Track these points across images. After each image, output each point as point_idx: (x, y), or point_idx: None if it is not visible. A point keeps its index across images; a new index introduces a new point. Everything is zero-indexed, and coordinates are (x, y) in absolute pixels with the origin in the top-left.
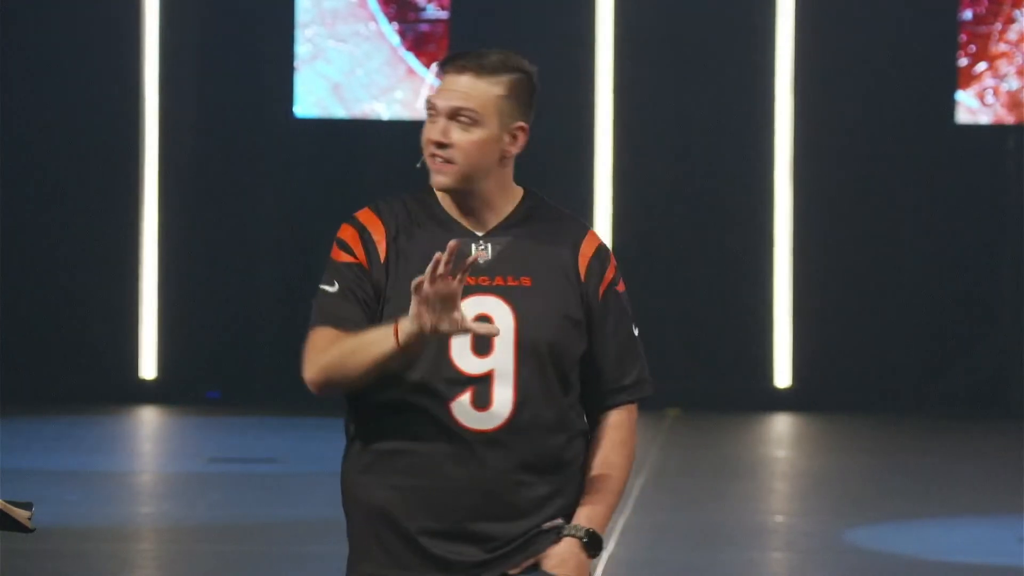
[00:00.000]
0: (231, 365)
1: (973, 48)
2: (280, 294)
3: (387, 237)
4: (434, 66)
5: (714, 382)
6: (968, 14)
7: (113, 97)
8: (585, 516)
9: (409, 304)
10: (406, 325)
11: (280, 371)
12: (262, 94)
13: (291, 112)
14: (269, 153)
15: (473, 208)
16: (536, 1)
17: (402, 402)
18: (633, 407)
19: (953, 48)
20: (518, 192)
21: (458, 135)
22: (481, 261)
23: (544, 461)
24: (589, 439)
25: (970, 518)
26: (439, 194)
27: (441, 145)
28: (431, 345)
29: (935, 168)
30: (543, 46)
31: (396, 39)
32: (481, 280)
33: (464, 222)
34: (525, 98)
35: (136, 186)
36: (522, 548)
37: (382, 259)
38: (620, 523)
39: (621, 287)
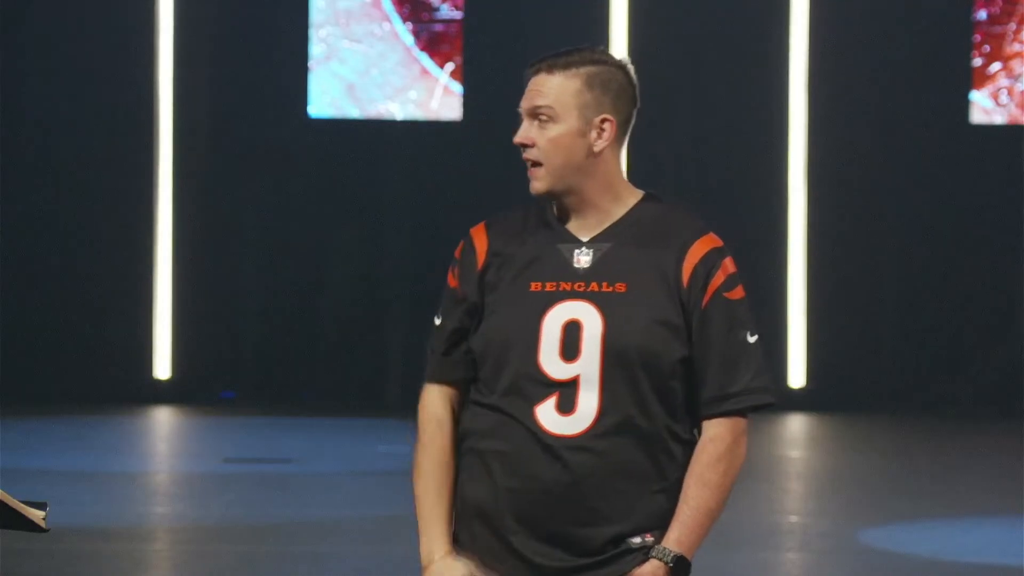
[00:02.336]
0: (246, 365)
1: (987, 48)
2: (295, 294)
3: (489, 247)
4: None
5: None
6: (982, 14)
7: (128, 97)
8: (674, 539)
9: (499, 309)
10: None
11: (295, 371)
12: (276, 94)
13: (305, 112)
14: (283, 153)
15: (579, 212)
16: (550, 1)
17: (495, 406)
18: (739, 419)
19: (967, 48)
20: (634, 195)
21: (537, 133)
22: (581, 267)
23: (634, 468)
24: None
25: (985, 519)
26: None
27: (524, 146)
28: (520, 349)
29: (950, 168)
30: (557, 46)
31: (410, 39)
32: (576, 286)
33: (571, 227)
34: (612, 90)
35: (151, 186)
36: (608, 562)
37: (478, 268)
38: None
39: (735, 294)
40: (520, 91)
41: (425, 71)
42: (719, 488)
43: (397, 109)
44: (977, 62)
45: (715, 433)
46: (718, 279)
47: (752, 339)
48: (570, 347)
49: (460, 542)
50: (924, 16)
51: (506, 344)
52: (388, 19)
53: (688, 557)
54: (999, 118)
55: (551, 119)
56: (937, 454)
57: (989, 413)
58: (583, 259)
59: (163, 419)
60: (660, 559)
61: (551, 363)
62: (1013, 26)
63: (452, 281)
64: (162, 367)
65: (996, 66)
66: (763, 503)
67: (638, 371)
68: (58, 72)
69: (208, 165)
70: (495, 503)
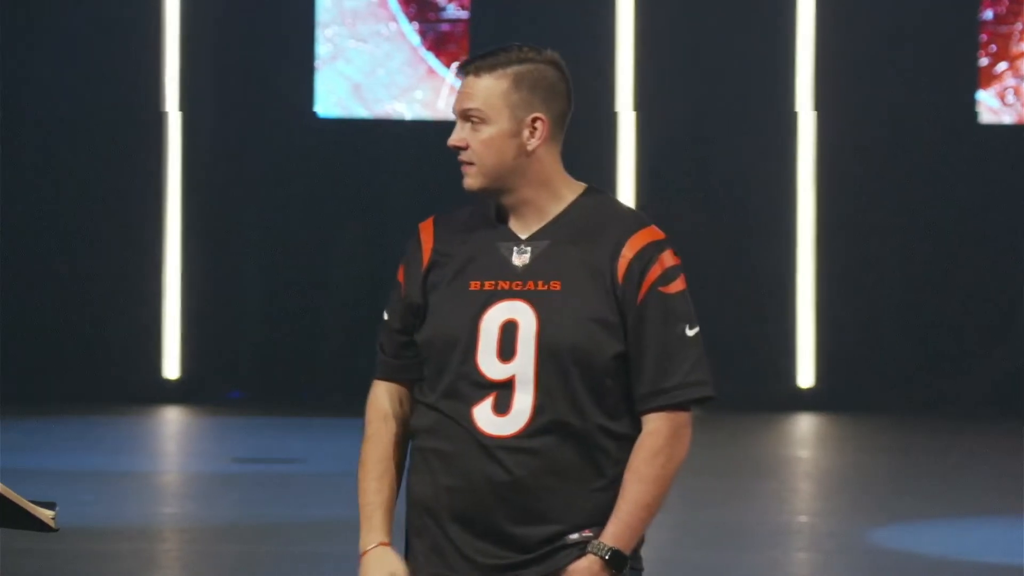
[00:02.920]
0: (254, 365)
1: (994, 48)
2: (302, 294)
3: (434, 245)
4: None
5: (737, 382)
6: (989, 14)
7: (134, 97)
8: (611, 533)
9: (439, 309)
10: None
11: (302, 371)
12: (283, 94)
13: (312, 112)
14: (290, 153)
15: (516, 209)
16: (556, 1)
17: (435, 406)
18: (677, 413)
19: (974, 48)
20: (574, 190)
21: (470, 136)
22: (519, 265)
23: (569, 466)
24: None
25: (993, 518)
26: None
27: (458, 148)
28: (459, 350)
29: (957, 168)
30: (564, 46)
31: (416, 39)
32: (514, 285)
33: (512, 225)
34: (542, 88)
35: (158, 187)
36: (544, 558)
37: (423, 267)
38: None
39: (672, 288)
40: None
41: (431, 71)
42: (656, 482)
43: (403, 109)
44: (984, 62)
45: (653, 428)
46: (653, 273)
47: (691, 332)
48: (506, 347)
49: (410, 532)
50: (931, 16)
51: (446, 345)
52: (394, 19)
53: (624, 551)
54: (1006, 118)
55: (482, 121)
56: (945, 454)
57: (996, 413)
58: (521, 257)
59: (171, 419)
60: (595, 553)
61: (488, 364)
62: (1020, 26)
63: (400, 276)
64: (170, 367)
65: (1003, 66)
66: (772, 503)
67: (571, 369)
68: (63, 70)
69: (214, 165)
70: (436, 500)
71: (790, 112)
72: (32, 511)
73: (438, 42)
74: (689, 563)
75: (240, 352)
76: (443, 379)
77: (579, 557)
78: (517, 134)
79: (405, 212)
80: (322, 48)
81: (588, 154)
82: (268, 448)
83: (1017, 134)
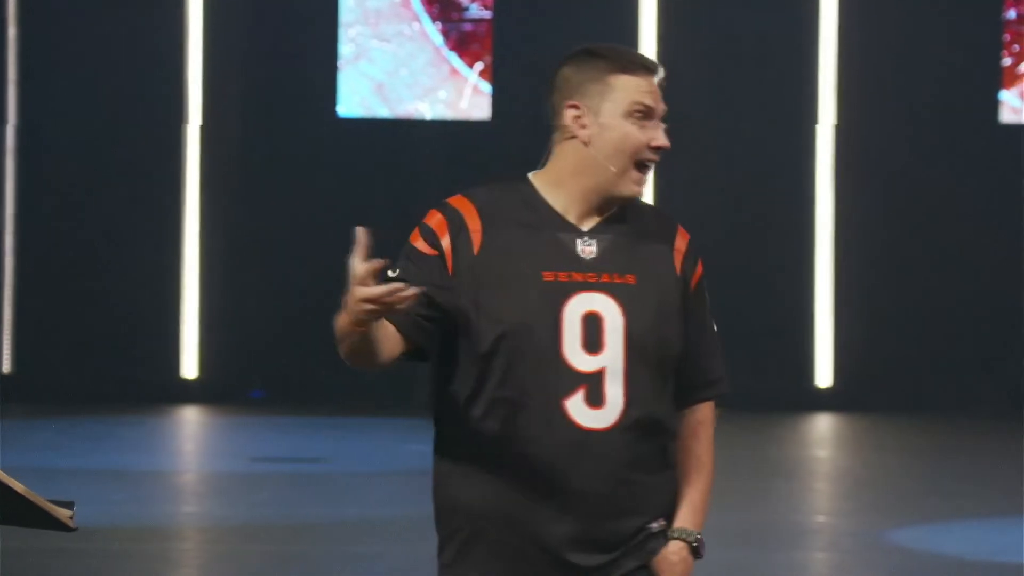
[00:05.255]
0: (274, 364)
1: (1017, 48)
2: (324, 292)
3: (483, 228)
4: (602, 65)
5: (756, 382)
6: (1012, 13)
7: (158, 99)
8: (690, 520)
9: (498, 305)
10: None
11: (325, 370)
12: (306, 94)
13: (335, 112)
14: (313, 153)
15: (583, 202)
16: (579, 0)
17: (511, 399)
18: (713, 403)
19: (997, 48)
20: None
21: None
22: (587, 257)
23: (652, 459)
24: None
25: (1013, 518)
26: (537, 187)
27: (660, 150)
28: (541, 341)
29: (979, 167)
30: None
31: (439, 39)
32: (587, 277)
33: (567, 215)
34: None
35: (179, 185)
36: (633, 550)
37: (475, 251)
38: None
39: (705, 282)
40: (543, 91)
41: (454, 71)
42: (712, 469)
43: (426, 109)
44: (1007, 61)
45: (702, 416)
46: (700, 268)
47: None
48: (592, 339)
49: (467, 551)
50: (954, 16)
51: (524, 336)
52: (417, 19)
53: (701, 537)
54: None
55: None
56: (964, 454)
57: (1015, 412)
58: (587, 249)
59: (191, 418)
60: (684, 540)
61: (575, 355)
62: None
63: (430, 249)
64: (190, 367)
65: None
66: (790, 503)
67: (654, 362)
68: (88, 71)
69: (238, 165)
70: (516, 505)
71: (811, 112)
72: (50, 511)
73: (461, 42)
74: (707, 563)
75: (260, 352)
76: (520, 372)
77: (662, 545)
78: None
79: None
80: (345, 48)
81: None
82: (289, 448)
83: None
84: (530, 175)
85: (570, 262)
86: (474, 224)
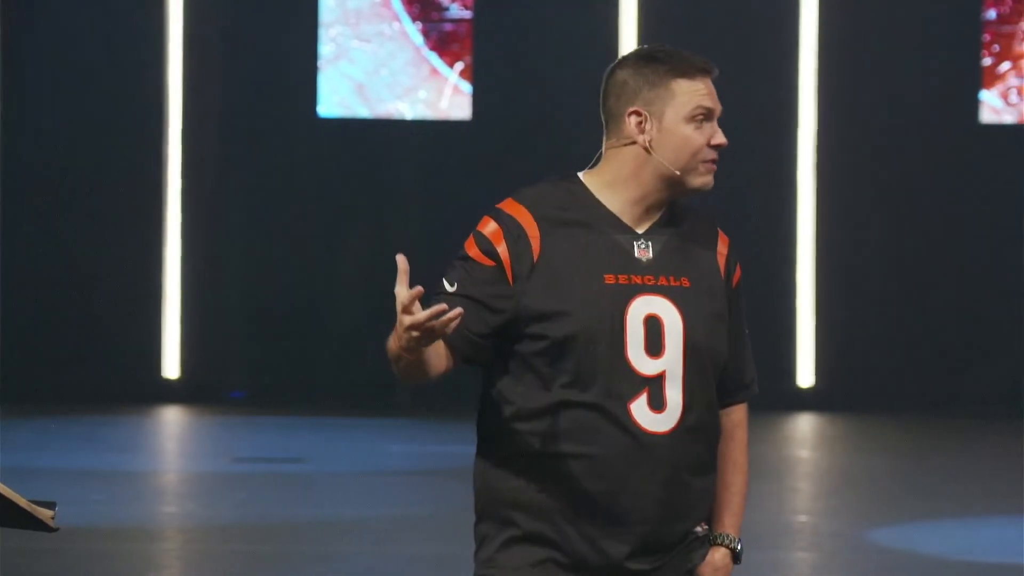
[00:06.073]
0: (255, 365)
1: (997, 48)
2: (304, 293)
3: (542, 234)
4: (643, 67)
5: None
6: (992, 13)
7: (137, 97)
8: (731, 524)
9: (563, 309)
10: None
11: (305, 371)
12: (286, 94)
13: (315, 112)
14: (293, 153)
15: (640, 204)
16: (560, 1)
17: (573, 403)
18: (746, 406)
19: (977, 48)
20: None
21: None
22: (643, 259)
23: (703, 462)
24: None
25: (994, 518)
26: (591, 187)
27: (720, 148)
28: (607, 345)
29: (959, 168)
30: (566, 46)
31: (420, 39)
32: (646, 280)
33: (623, 217)
34: None
35: (160, 185)
36: (681, 554)
37: (535, 258)
38: None
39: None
40: (528, 91)
41: (434, 71)
42: (747, 472)
43: (406, 109)
44: (987, 61)
45: (739, 419)
46: (739, 271)
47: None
48: (653, 342)
49: (524, 554)
50: (934, 16)
51: (592, 339)
52: (398, 19)
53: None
54: (1008, 117)
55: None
56: (946, 453)
57: (998, 412)
58: (643, 252)
59: (172, 419)
60: (727, 546)
61: (639, 359)
62: (1023, 25)
63: (488, 260)
64: (171, 366)
65: (1006, 65)
66: (772, 503)
67: (707, 366)
68: (66, 71)
69: (217, 164)
70: (573, 508)
71: (791, 111)
72: (32, 511)
73: (441, 42)
74: None
75: (241, 352)
76: (588, 375)
77: (706, 550)
78: None
79: (408, 211)
80: (325, 48)
81: (590, 157)
82: (270, 448)
83: (1019, 133)
84: (581, 175)
85: (629, 265)
86: (532, 230)
